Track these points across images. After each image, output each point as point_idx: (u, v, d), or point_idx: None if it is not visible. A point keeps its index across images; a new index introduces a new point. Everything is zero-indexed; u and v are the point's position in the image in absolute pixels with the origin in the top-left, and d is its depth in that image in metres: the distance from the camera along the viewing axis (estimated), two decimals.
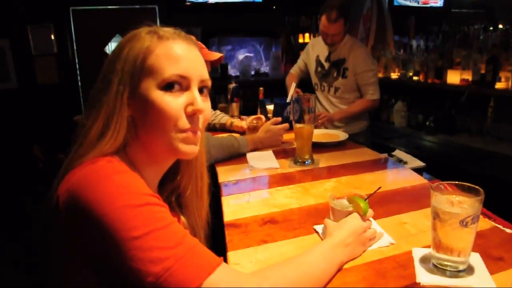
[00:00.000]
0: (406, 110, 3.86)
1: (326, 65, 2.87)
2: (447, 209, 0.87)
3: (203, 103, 0.86)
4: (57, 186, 0.77)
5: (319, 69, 2.93)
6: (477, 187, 0.90)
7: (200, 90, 0.87)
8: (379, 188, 1.12)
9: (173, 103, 0.81)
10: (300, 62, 3.16)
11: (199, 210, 1.02)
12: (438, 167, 2.27)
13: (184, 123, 0.83)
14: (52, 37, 4.63)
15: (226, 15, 5.05)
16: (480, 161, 2.97)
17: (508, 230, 1.14)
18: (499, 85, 3.03)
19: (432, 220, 0.91)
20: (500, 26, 4.06)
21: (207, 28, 4.99)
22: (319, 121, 2.57)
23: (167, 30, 0.86)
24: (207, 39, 4.97)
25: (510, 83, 2.95)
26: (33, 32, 4.54)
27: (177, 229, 0.73)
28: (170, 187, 1.00)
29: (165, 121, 0.81)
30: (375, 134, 3.81)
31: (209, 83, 0.89)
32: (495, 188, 2.43)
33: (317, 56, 2.93)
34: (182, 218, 1.00)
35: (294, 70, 3.21)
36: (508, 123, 3.16)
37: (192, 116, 0.84)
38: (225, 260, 0.97)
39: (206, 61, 2.02)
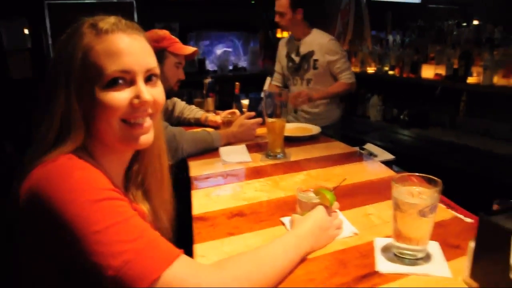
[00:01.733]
0: (381, 104, 3.92)
1: (297, 59, 2.94)
2: (406, 200, 0.90)
3: (152, 91, 0.86)
4: (18, 185, 0.77)
5: (290, 64, 3.00)
6: (436, 178, 0.93)
7: (149, 78, 0.87)
8: (344, 179, 1.14)
9: (118, 99, 0.81)
10: (277, 67, 3.19)
11: (161, 192, 1.04)
12: (411, 160, 2.32)
13: (131, 116, 0.84)
14: (26, 31, 4.54)
15: (205, 9, 5.01)
16: (451, 154, 3.04)
17: (468, 220, 1.17)
18: (471, 80, 3.10)
19: (393, 211, 0.93)
20: (475, 22, 4.14)
21: (185, 23, 4.96)
22: (300, 99, 2.68)
23: (108, 22, 0.85)
24: (185, 33, 4.94)
25: (481, 78, 3.01)
26: (6, 26, 4.44)
27: (137, 222, 0.74)
28: (134, 172, 1.01)
29: (113, 117, 0.82)
30: (350, 128, 3.88)
31: (157, 70, 0.89)
32: (464, 180, 2.51)
33: (287, 52, 3.01)
34: (144, 207, 1.00)
35: (275, 78, 3.22)
36: (480, 117, 3.24)
37: (139, 108, 0.84)
38: (191, 252, 0.98)
39: (180, 55, 2.05)
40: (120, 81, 0.82)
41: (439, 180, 0.92)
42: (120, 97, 0.82)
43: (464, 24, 3.88)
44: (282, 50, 3.07)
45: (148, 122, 0.88)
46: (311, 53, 2.87)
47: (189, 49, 2.11)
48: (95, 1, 4.68)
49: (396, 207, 0.92)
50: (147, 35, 0.92)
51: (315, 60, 2.87)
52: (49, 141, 0.81)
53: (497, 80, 2.91)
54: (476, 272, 0.80)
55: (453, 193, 1.41)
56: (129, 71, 0.82)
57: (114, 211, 0.72)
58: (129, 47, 0.83)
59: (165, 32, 2.07)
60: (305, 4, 2.81)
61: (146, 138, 0.88)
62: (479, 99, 3.23)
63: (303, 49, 2.89)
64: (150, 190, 1.02)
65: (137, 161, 1.00)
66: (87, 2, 4.67)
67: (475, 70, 3.11)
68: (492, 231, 0.75)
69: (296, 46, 2.93)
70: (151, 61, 0.88)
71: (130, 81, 0.84)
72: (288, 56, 3.00)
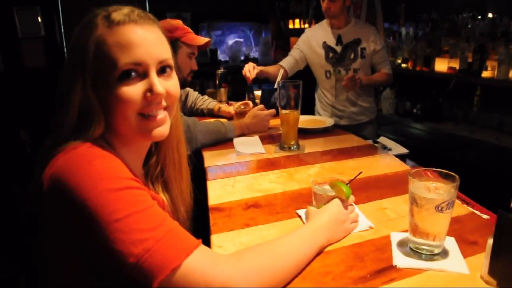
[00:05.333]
0: (394, 97, 3.89)
1: (338, 48, 2.76)
2: (423, 195, 0.89)
3: (165, 84, 0.87)
4: (41, 172, 0.78)
5: (331, 54, 2.78)
6: (453, 173, 0.92)
7: (162, 70, 0.87)
8: (360, 173, 1.14)
9: (131, 92, 0.82)
10: (295, 53, 2.89)
11: (179, 183, 1.05)
12: (423, 154, 2.31)
13: (146, 109, 0.85)
14: (39, 19, 4.56)
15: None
16: (464, 149, 3.02)
17: (484, 216, 1.17)
18: (485, 74, 3.07)
19: (409, 206, 0.93)
20: (489, 15, 4.08)
21: (196, 12, 4.94)
22: (354, 82, 2.54)
23: (120, 13, 0.84)
24: (196, 23, 4.93)
25: (496, 72, 2.98)
26: (20, 14, 4.46)
27: (157, 211, 0.75)
28: (153, 164, 1.02)
29: (127, 110, 0.83)
30: None
31: (170, 61, 0.88)
32: (478, 176, 2.49)
33: (324, 43, 2.78)
34: (164, 197, 1.01)
35: (286, 61, 2.90)
36: (493, 111, 3.21)
37: (153, 101, 0.85)
38: (209, 243, 0.99)
39: (193, 46, 2.05)
40: (133, 74, 0.82)
41: (456, 175, 0.92)
42: (133, 91, 0.82)
43: (479, 17, 3.82)
44: (315, 42, 2.81)
45: (162, 114, 0.88)
46: (357, 41, 2.74)
47: (202, 40, 2.11)
48: None
49: (412, 202, 0.92)
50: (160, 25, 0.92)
51: (363, 49, 2.74)
52: (68, 130, 0.82)
53: None
54: (494, 269, 0.80)
55: (467, 189, 1.41)
56: (140, 63, 0.82)
57: (134, 200, 0.73)
58: (141, 38, 0.83)
59: (178, 22, 2.07)
60: None
61: (161, 131, 0.89)
62: (493, 93, 3.20)
63: (347, 38, 2.74)
64: (169, 180, 1.03)
65: (155, 152, 1.01)
66: None
67: (490, 64, 3.07)
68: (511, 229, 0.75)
69: (336, 35, 2.75)
70: (164, 53, 0.87)
71: (143, 74, 0.84)
72: (326, 46, 2.78)
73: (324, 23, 2.82)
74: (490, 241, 0.81)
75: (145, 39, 0.84)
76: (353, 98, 2.83)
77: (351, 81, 2.53)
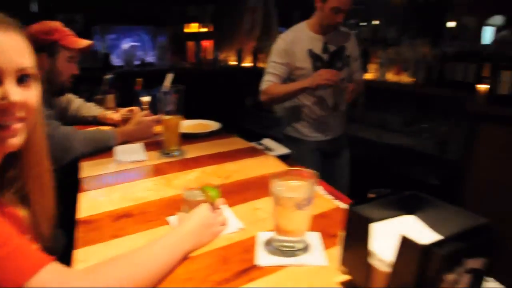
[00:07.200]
0: None
1: (325, 56, 2.35)
2: (283, 194, 0.92)
3: (24, 94, 0.80)
4: None
5: (318, 63, 2.33)
6: (312, 171, 0.97)
7: (22, 79, 0.81)
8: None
9: None
10: (279, 70, 2.35)
11: (41, 199, 0.97)
12: None
13: None
14: None
15: (111, 1, 4.81)
16: (352, 146, 3.21)
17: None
18: (368, 76, 3.33)
19: (273, 206, 0.95)
20: (375, 22, 4.40)
21: (89, 15, 4.72)
22: (353, 93, 2.28)
23: None
24: (89, 26, 4.71)
25: (378, 74, 3.25)
26: None
27: (1, 229, 0.69)
28: (10, 177, 0.93)
29: None
30: (255, 123, 3.94)
31: (31, 70, 0.82)
32: (363, 171, 2.66)
33: (310, 50, 2.32)
34: (22, 212, 0.93)
35: (274, 82, 2.37)
36: (377, 111, 3.46)
37: (5, 110, 0.78)
38: (70, 259, 0.94)
39: (73, 49, 1.93)
40: None
41: (315, 172, 0.96)
42: None
43: (365, 23, 4.11)
44: (298, 50, 2.33)
45: (17, 125, 0.81)
46: (342, 49, 2.37)
47: (83, 42, 2.00)
48: None
49: (275, 202, 0.95)
50: (35, 28, 0.85)
51: (347, 57, 2.39)
52: None
53: (391, 76, 3.16)
54: (346, 259, 0.85)
55: (354, 183, 1.48)
56: None
57: None
58: None
59: (56, 24, 1.94)
60: None
61: (13, 142, 0.82)
62: (376, 94, 3.45)
63: (333, 45, 2.34)
64: (30, 196, 0.95)
65: (15, 166, 0.93)
66: None
67: (372, 67, 3.34)
68: (356, 220, 0.79)
69: (321, 42, 2.33)
70: (25, 61, 0.81)
71: None
72: (313, 54, 2.33)
73: (304, 28, 2.38)
74: (342, 234, 0.86)
75: (4, 44, 0.77)
76: (343, 110, 2.53)
77: (352, 93, 2.30)
